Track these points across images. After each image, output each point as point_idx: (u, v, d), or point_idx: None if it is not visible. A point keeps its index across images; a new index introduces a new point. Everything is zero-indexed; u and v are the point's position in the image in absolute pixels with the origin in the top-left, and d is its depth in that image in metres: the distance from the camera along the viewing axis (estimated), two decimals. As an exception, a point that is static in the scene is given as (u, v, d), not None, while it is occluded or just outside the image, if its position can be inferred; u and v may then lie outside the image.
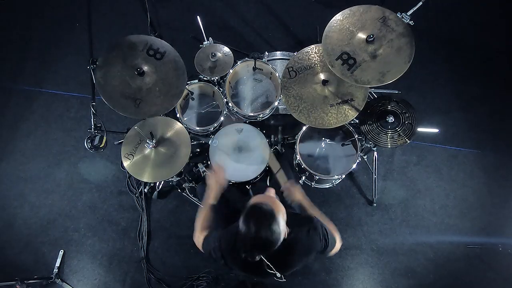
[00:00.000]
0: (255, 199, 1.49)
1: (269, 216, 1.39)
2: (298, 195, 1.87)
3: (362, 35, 2.04)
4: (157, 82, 2.17)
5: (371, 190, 2.85)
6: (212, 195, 1.88)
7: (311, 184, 2.66)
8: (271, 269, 1.54)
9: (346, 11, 2.10)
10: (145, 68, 2.16)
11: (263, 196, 1.57)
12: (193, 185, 2.76)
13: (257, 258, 1.45)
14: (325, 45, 2.06)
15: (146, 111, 2.14)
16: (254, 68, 2.52)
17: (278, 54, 2.65)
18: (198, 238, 1.79)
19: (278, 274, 1.57)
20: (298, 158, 2.40)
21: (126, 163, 2.24)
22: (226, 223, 1.86)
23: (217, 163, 1.95)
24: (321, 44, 2.08)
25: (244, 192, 2.48)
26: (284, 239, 1.49)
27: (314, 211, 1.81)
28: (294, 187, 1.90)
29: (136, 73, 2.13)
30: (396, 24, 2.03)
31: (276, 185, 2.34)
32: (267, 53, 2.65)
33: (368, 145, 2.50)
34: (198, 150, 2.65)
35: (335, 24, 2.09)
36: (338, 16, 2.10)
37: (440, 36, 3.36)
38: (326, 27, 2.09)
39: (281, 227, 1.41)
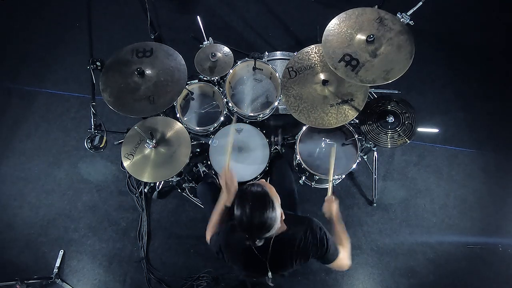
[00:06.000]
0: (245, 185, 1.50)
1: (262, 194, 1.42)
2: (335, 208, 1.90)
3: (361, 36, 2.04)
4: (159, 74, 2.22)
5: (371, 190, 2.85)
6: (223, 196, 1.88)
7: (311, 184, 2.66)
8: (265, 265, 1.54)
9: (342, 15, 2.10)
10: (145, 70, 2.20)
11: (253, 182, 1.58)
12: (193, 185, 2.77)
13: (259, 242, 1.44)
14: (325, 49, 2.06)
15: (163, 102, 2.17)
16: (254, 68, 2.52)
17: (278, 54, 2.66)
18: (208, 232, 1.81)
19: (270, 274, 1.58)
20: (298, 158, 2.40)
21: (126, 163, 2.24)
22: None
23: (227, 167, 1.97)
24: (322, 48, 2.08)
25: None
26: (281, 235, 1.50)
27: (340, 227, 1.84)
28: (335, 201, 1.93)
29: (136, 73, 2.16)
30: (393, 23, 2.03)
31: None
32: (267, 53, 2.65)
33: (368, 145, 2.50)
34: (198, 150, 2.65)
35: (333, 28, 2.09)
36: (335, 20, 2.10)
37: (440, 36, 3.36)
38: (325, 32, 2.09)
39: (276, 206, 1.42)
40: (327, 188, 2.76)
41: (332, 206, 1.90)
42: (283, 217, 1.48)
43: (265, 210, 1.37)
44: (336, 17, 2.10)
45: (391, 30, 2.02)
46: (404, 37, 2.00)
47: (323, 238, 1.60)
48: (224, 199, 1.86)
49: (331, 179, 2.07)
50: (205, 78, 2.54)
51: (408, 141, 2.26)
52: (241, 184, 2.35)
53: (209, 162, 2.42)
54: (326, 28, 2.09)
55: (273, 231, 1.43)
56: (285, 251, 1.56)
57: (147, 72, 2.21)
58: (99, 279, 2.78)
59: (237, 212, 1.41)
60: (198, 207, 2.87)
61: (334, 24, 2.10)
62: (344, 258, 1.71)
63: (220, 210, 1.85)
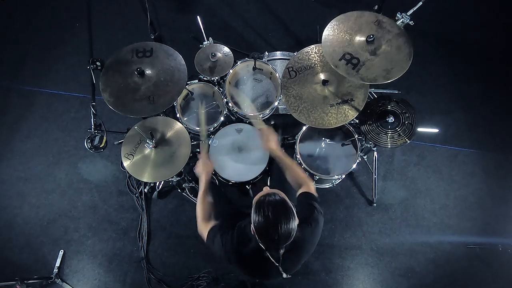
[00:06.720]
0: (260, 194, 1.47)
1: (283, 204, 1.40)
2: (275, 142, 1.88)
3: (360, 38, 2.05)
4: (159, 74, 2.22)
5: (371, 190, 2.85)
6: (201, 182, 1.90)
7: (311, 184, 2.65)
8: (278, 270, 1.53)
9: (341, 16, 2.11)
10: (145, 70, 2.20)
11: (266, 190, 1.53)
12: (193, 185, 2.77)
13: (282, 251, 1.43)
14: (326, 48, 2.06)
15: (163, 102, 2.17)
16: (254, 68, 2.52)
17: (278, 54, 2.65)
18: (201, 229, 1.76)
19: (285, 275, 1.57)
20: (298, 158, 2.40)
21: (126, 163, 2.24)
22: (230, 223, 1.87)
23: (201, 152, 1.98)
24: (322, 46, 2.08)
25: (244, 192, 2.48)
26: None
27: (286, 159, 1.82)
28: (272, 134, 1.90)
29: (136, 73, 2.16)
30: (391, 26, 2.05)
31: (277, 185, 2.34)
32: (267, 53, 2.65)
33: (368, 145, 2.50)
34: (198, 150, 2.65)
35: (332, 28, 2.09)
36: (334, 21, 2.11)
37: (440, 36, 3.36)
38: (324, 31, 2.09)
39: (295, 212, 1.41)
40: (327, 188, 2.78)
41: (270, 141, 1.87)
42: (298, 222, 1.46)
43: (290, 219, 1.36)
44: (335, 19, 2.11)
45: (389, 32, 2.03)
46: (402, 39, 2.01)
47: (320, 211, 1.62)
48: (202, 187, 1.87)
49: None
50: (205, 78, 2.54)
51: (408, 141, 2.26)
52: (241, 184, 2.38)
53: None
54: (326, 28, 2.09)
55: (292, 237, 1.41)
56: (296, 253, 1.56)
57: (147, 72, 2.21)
58: (99, 279, 2.78)
59: (260, 224, 1.37)
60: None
61: (333, 25, 2.10)
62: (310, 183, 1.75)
63: (202, 199, 1.84)
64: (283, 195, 1.45)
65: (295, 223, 1.39)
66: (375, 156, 2.73)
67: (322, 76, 2.27)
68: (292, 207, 1.42)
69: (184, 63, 2.26)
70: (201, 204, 1.83)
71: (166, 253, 2.83)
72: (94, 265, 2.81)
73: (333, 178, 2.50)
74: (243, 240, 1.57)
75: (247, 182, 2.38)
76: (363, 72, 2.00)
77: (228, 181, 2.37)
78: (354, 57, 2.02)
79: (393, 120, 2.26)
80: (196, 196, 2.80)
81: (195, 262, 2.78)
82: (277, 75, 2.40)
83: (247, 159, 2.41)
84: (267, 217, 1.36)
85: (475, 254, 2.78)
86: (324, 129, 2.36)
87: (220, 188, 2.49)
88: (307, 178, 1.76)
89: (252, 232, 1.44)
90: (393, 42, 2.01)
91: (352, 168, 2.37)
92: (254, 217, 1.40)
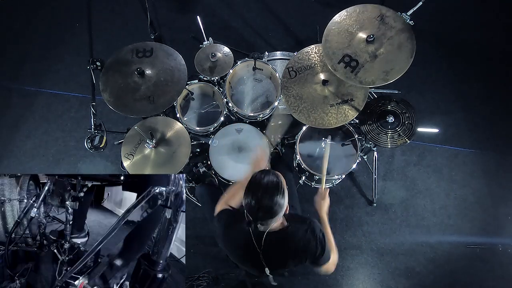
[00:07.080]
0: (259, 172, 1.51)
1: (276, 182, 1.43)
2: (326, 207, 1.89)
3: (361, 36, 2.04)
4: (159, 74, 2.23)
5: (371, 190, 2.85)
6: (247, 175, 1.89)
7: (311, 184, 2.65)
8: (260, 258, 1.54)
9: (343, 12, 2.10)
10: (145, 70, 2.21)
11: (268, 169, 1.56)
12: (193, 185, 2.76)
13: (260, 226, 1.45)
14: (325, 49, 2.06)
15: (163, 102, 2.17)
16: (254, 68, 2.52)
17: (278, 54, 2.65)
18: (218, 206, 1.79)
19: (268, 271, 1.58)
20: (298, 158, 2.40)
21: (126, 163, 2.24)
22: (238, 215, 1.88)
23: (262, 149, 2.02)
24: (322, 48, 2.08)
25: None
26: (281, 231, 1.51)
27: (329, 230, 1.81)
28: (327, 198, 1.91)
29: (136, 73, 2.16)
30: (394, 20, 2.03)
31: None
32: (267, 53, 2.65)
33: (368, 145, 2.50)
34: (198, 150, 2.65)
35: (333, 27, 2.09)
36: (335, 19, 2.10)
37: (440, 36, 3.36)
38: (325, 31, 2.09)
39: (286, 194, 1.44)
40: (327, 187, 2.77)
41: (323, 203, 1.89)
42: (288, 211, 1.50)
43: (276, 194, 1.40)
44: (337, 14, 2.10)
45: (392, 29, 2.01)
46: (405, 35, 1.99)
47: (322, 240, 1.60)
48: (245, 180, 1.87)
49: (324, 173, 2.05)
50: (205, 78, 2.54)
51: (408, 141, 2.26)
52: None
53: (209, 162, 2.42)
54: (327, 27, 2.09)
55: (276, 220, 1.45)
56: (282, 247, 1.55)
57: (147, 72, 2.21)
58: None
59: (247, 196, 1.42)
60: (198, 207, 2.87)
61: (334, 23, 2.09)
62: (333, 263, 1.73)
63: (237, 188, 1.82)
64: (281, 177, 1.48)
65: (281, 200, 1.41)
66: (375, 156, 2.73)
67: (322, 76, 2.27)
68: (285, 189, 1.45)
69: (184, 63, 2.26)
70: (232, 191, 1.84)
71: (166, 253, 2.82)
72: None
73: (333, 178, 2.50)
74: (235, 222, 1.60)
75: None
76: (362, 75, 2.00)
77: (228, 181, 2.37)
78: (353, 59, 2.02)
79: (393, 120, 2.26)
80: (195, 196, 2.82)
81: (195, 262, 2.78)
82: (277, 75, 2.40)
83: (247, 159, 2.41)
84: (257, 186, 1.41)
85: (475, 254, 2.78)
86: (324, 129, 2.36)
87: (220, 188, 2.48)
88: (335, 251, 1.77)
89: (242, 204, 1.47)
90: (395, 39, 2.00)
91: (352, 168, 2.37)
92: (246, 187, 1.45)
